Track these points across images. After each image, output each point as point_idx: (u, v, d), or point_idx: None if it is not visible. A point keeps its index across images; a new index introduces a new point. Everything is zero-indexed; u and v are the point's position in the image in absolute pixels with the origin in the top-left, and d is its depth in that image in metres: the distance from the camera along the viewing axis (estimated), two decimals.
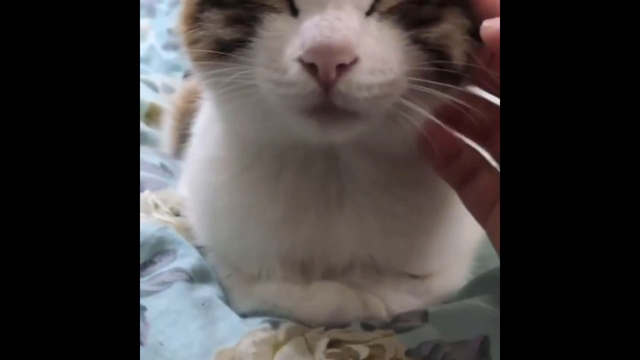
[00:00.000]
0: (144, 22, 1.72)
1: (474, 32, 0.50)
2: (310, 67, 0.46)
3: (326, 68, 0.46)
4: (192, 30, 0.54)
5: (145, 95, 1.17)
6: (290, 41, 0.48)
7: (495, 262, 0.66)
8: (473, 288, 0.64)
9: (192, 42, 0.54)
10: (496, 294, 0.61)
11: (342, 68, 0.46)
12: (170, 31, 1.69)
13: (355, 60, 0.47)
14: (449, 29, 0.50)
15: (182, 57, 1.57)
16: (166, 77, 1.42)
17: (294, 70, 0.47)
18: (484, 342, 0.55)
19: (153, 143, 1.06)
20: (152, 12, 1.80)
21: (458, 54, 0.51)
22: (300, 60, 0.47)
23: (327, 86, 0.47)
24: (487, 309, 0.59)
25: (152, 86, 1.27)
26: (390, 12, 0.49)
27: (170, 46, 1.65)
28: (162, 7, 1.82)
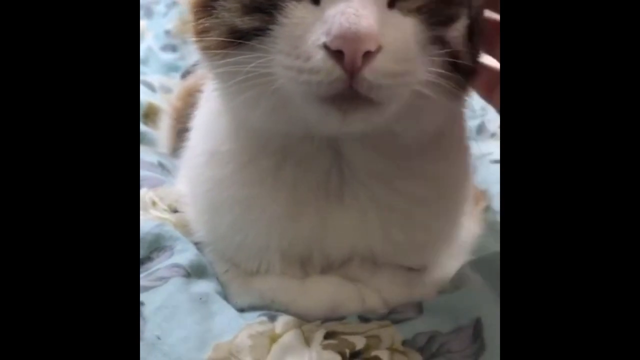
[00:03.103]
0: (141, 24, 1.73)
1: (470, 30, 0.54)
2: (336, 54, 0.47)
3: (353, 55, 0.46)
4: (203, 19, 0.53)
5: (143, 96, 1.17)
6: (312, 28, 0.48)
7: None
8: (464, 273, 0.64)
9: (203, 31, 0.54)
10: (486, 275, 0.62)
11: (367, 55, 0.47)
12: (167, 32, 1.70)
13: (379, 48, 0.47)
14: (462, 28, 0.53)
15: (181, 58, 1.58)
16: (164, 78, 1.42)
17: (319, 56, 0.47)
18: (477, 325, 0.56)
19: (151, 143, 1.07)
20: (149, 14, 1.81)
21: (464, 48, 0.53)
22: (326, 47, 0.47)
23: (352, 73, 0.47)
24: (478, 291, 0.60)
25: (150, 86, 1.28)
26: (418, 11, 0.50)
27: (167, 47, 1.66)
28: (160, 8, 1.82)
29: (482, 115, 1.23)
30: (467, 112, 1.19)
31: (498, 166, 0.91)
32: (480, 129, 1.19)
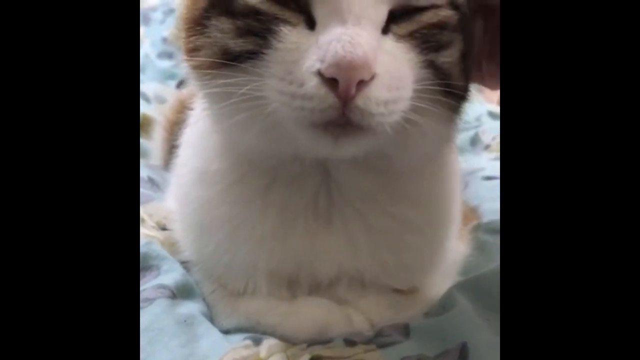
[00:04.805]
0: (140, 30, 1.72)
1: (464, 55, 0.54)
2: (330, 82, 0.46)
3: (347, 83, 0.46)
4: (195, 37, 0.53)
5: None
6: (307, 54, 0.48)
7: None
8: (452, 296, 0.64)
9: (193, 50, 0.53)
10: (474, 297, 0.61)
11: (361, 84, 0.46)
12: (164, 40, 1.70)
13: (373, 77, 0.47)
14: (455, 53, 0.53)
15: (177, 66, 1.58)
16: (160, 86, 1.42)
17: (313, 83, 0.47)
18: (463, 349, 0.56)
19: (144, 154, 1.06)
20: (146, 21, 1.80)
21: (457, 74, 0.53)
22: (320, 73, 0.46)
23: (346, 101, 0.47)
24: (465, 315, 0.59)
25: (144, 97, 1.28)
26: (411, 35, 0.50)
27: (164, 54, 1.65)
28: (157, 15, 1.82)
29: (476, 126, 1.23)
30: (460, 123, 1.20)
31: (490, 182, 0.92)
32: (474, 141, 1.19)
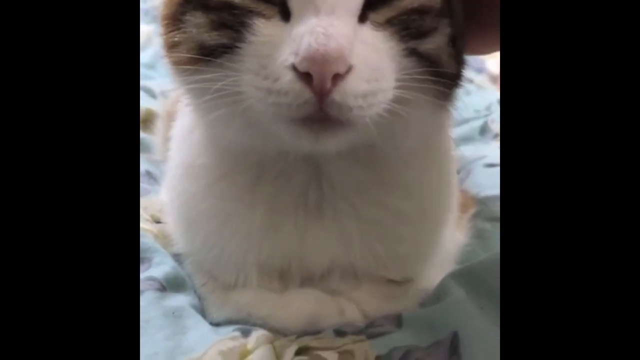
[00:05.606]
0: (149, 28, 1.72)
1: (453, 40, 0.52)
2: (305, 76, 0.45)
3: (322, 77, 0.44)
4: (173, 33, 0.52)
5: (142, 102, 1.16)
6: (281, 47, 0.46)
7: None
8: (446, 285, 0.62)
9: (173, 45, 0.53)
10: (469, 286, 0.60)
11: (337, 77, 0.45)
12: None
13: (349, 69, 0.45)
14: (442, 39, 0.51)
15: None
16: (169, 82, 1.41)
17: (287, 78, 0.46)
18: (454, 339, 0.54)
19: (147, 149, 1.06)
20: (156, 19, 1.80)
21: (446, 60, 0.51)
22: (294, 68, 0.45)
23: (322, 96, 0.45)
24: (458, 304, 0.58)
25: (150, 92, 1.27)
26: (389, 22, 0.49)
27: None
28: None
29: (485, 115, 1.21)
30: (470, 112, 1.18)
31: (491, 170, 0.90)
32: (483, 130, 1.17)
